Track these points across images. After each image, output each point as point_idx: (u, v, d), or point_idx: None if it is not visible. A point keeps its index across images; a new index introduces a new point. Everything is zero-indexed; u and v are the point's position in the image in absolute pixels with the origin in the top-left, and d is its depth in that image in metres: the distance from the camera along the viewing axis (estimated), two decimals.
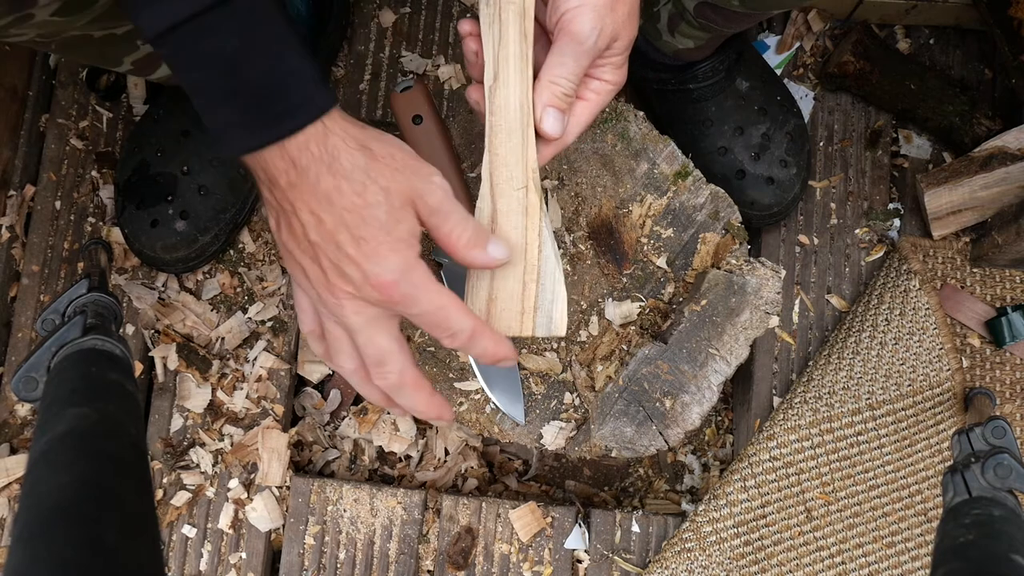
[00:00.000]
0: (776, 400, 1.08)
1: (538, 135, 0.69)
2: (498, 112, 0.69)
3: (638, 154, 0.93)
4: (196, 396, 1.07)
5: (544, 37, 0.70)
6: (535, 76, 0.68)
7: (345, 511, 1.05)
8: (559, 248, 0.80)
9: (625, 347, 0.90)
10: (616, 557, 1.04)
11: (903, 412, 1.04)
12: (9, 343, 1.11)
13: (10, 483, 1.04)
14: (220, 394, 1.08)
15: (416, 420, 1.13)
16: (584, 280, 0.91)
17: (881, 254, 1.13)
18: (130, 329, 1.08)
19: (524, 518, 1.04)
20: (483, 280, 0.71)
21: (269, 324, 1.10)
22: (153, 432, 1.07)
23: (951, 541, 0.60)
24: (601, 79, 0.70)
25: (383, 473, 1.15)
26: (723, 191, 0.93)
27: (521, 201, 0.70)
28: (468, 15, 0.74)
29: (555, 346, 0.92)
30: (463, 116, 0.94)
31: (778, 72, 1.16)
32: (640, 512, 1.07)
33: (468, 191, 0.89)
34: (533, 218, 0.70)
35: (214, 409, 1.08)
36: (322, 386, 1.16)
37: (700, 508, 1.02)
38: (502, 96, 0.69)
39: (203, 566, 1.05)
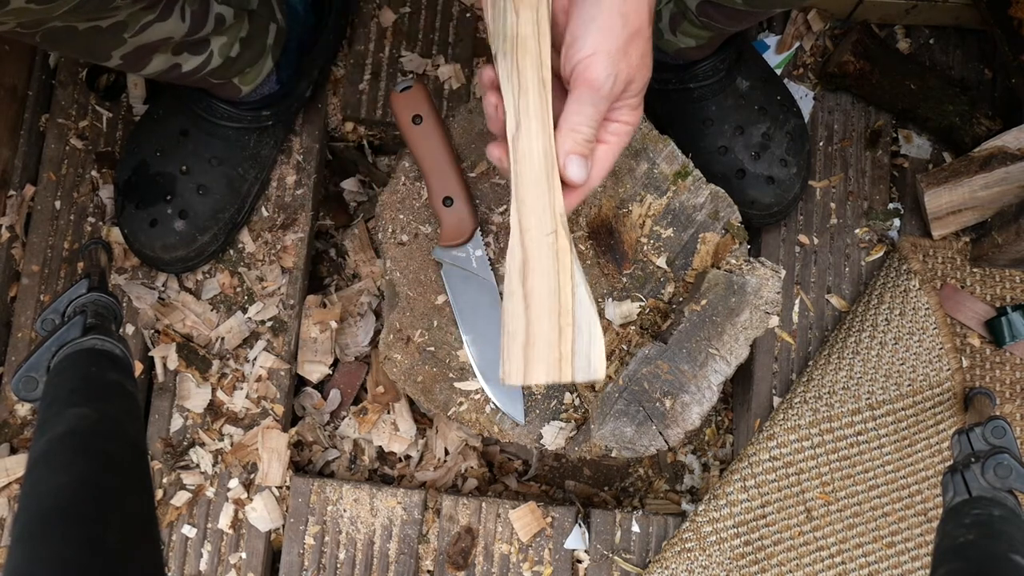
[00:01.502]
0: (776, 400, 1.08)
1: (563, 182, 0.70)
2: (522, 160, 0.71)
3: (638, 154, 0.93)
4: (196, 396, 1.07)
5: (559, 85, 0.71)
6: (555, 124, 0.70)
7: (345, 511, 1.05)
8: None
9: (625, 347, 0.90)
10: (616, 557, 1.04)
11: (903, 412, 1.04)
12: (9, 343, 1.11)
13: (10, 483, 1.04)
14: (220, 394, 1.08)
15: (416, 420, 1.13)
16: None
17: (881, 254, 1.13)
18: (130, 329, 1.08)
19: (524, 518, 1.04)
20: (519, 327, 0.71)
21: (269, 324, 1.10)
22: (153, 432, 1.07)
23: (951, 541, 0.60)
24: (620, 121, 0.72)
25: (383, 473, 1.15)
26: (723, 191, 0.93)
27: (552, 246, 0.71)
28: (485, 60, 0.76)
29: None
30: (463, 116, 0.94)
31: (778, 72, 1.16)
32: (640, 512, 1.07)
33: (469, 191, 0.89)
34: (564, 262, 0.71)
35: (214, 409, 1.08)
36: (322, 386, 1.16)
37: (700, 508, 1.02)
38: (525, 145, 0.71)
39: (203, 566, 1.05)
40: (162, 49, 0.87)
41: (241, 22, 0.93)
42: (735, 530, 1.01)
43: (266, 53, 0.99)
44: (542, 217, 0.71)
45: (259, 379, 1.08)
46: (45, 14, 0.70)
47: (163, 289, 1.10)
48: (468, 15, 1.19)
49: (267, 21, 0.97)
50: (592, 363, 0.70)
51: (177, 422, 1.07)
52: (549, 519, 1.05)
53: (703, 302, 0.87)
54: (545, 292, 0.71)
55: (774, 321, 0.89)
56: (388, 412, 1.13)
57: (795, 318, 1.11)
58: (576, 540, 1.04)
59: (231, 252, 1.11)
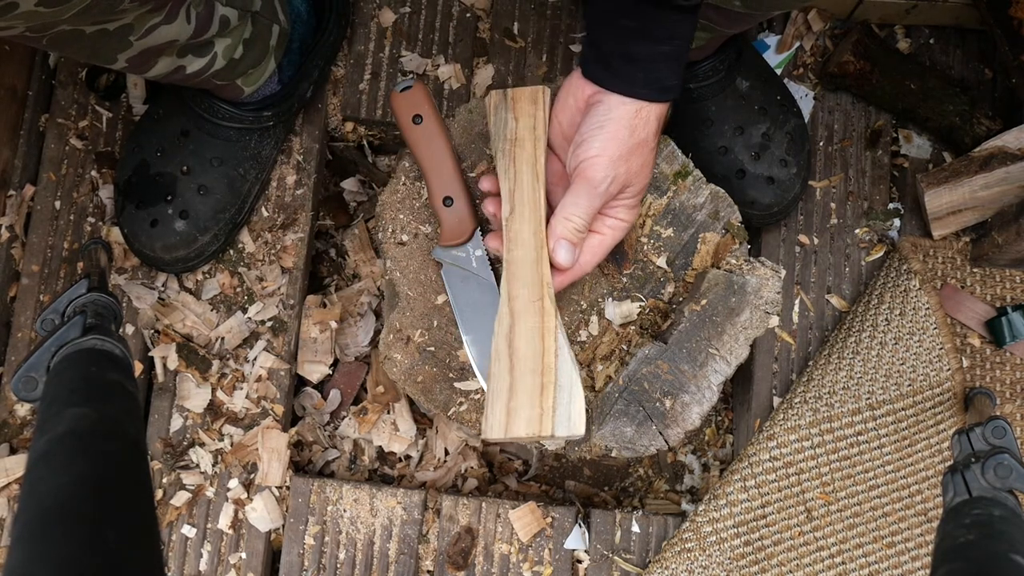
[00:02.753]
0: (776, 400, 1.08)
1: (552, 265, 0.78)
2: (514, 239, 0.79)
3: None
4: (196, 396, 1.07)
5: (566, 178, 0.79)
6: (551, 214, 0.77)
7: (345, 511, 1.05)
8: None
9: (625, 347, 0.90)
10: (616, 557, 1.04)
11: (903, 412, 1.04)
12: (9, 343, 1.11)
13: (10, 483, 1.04)
14: (220, 394, 1.08)
15: (416, 420, 1.13)
16: (584, 280, 0.91)
17: (881, 254, 1.13)
18: (130, 329, 1.08)
19: (524, 518, 1.04)
20: (503, 386, 0.76)
21: (269, 324, 1.10)
22: (153, 432, 1.07)
23: (951, 541, 0.60)
24: (616, 217, 0.80)
25: (383, 473, 1.15)
26: (723, 191, 0.93)
27: (538, 311, 0.77)
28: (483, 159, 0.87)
29: None
30: (463, 116, 0.94)
31: (778, 72, 1.16)
32: (640, 512, 1.07)
33: (469, 191, 0.89)
34: (549, 325, 0.77)
35: (214, 409, 1.08)
36: (322, 386, 1.16)
37: (700, 508, 1.02)
38: (517, 226, 0.79)
39: (203, 566, 1.05)
40: (167, 52, 0.87)
41: (245, 24, 0.93)
42: (735, 530, 1.01)
43: (269, 54, 0.99)
44: (530, 286, 0.78)
45: (259, 379, 1.08)
46: (54, 17, 0.70)
47: (163, 289, 1.10)
48: (468, 15, 1.19)
49: (270, 22, 0.97)
50: (572, 420, 0.75)
51: (177, 422, 1.07)
52: (549, 519, 1.05)
53: (703, 302, 0.87)
54: (530, 353, 0.77)
55: (774, 321, 0.89)
56: (388, 412, 1.13)
57: (795, 318, 1.11)
58: (576, 540, 1.04)
59: (231, 252, 1.11)
